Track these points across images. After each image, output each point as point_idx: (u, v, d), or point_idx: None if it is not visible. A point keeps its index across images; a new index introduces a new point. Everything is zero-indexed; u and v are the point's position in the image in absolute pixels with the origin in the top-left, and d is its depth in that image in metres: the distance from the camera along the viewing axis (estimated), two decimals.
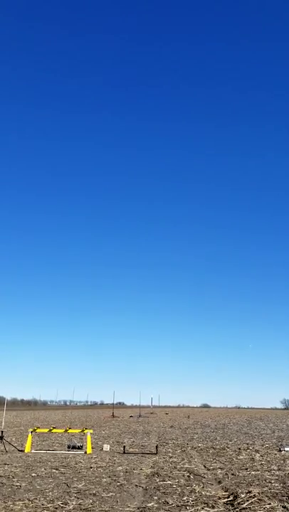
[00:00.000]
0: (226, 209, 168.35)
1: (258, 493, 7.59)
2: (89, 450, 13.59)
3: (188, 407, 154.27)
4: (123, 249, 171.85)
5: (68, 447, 14.36)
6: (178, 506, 6.80)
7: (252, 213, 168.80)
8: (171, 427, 29.85)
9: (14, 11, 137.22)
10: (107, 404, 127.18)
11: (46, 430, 16.59)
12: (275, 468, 10.63)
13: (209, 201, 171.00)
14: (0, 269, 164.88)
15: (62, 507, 6.69)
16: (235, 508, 6.68)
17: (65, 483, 8.61)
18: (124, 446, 14.31)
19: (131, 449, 14.56)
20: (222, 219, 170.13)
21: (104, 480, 8.95)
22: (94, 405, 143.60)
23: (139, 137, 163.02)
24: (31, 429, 14.72)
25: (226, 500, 7.26)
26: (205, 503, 6.95)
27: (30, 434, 14.27)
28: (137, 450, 14.51)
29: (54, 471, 10.06)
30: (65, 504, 6.85)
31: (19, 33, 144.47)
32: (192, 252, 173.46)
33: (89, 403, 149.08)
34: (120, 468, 10.54)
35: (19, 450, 13.97)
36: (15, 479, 8.94)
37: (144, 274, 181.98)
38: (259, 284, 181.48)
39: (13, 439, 17.58)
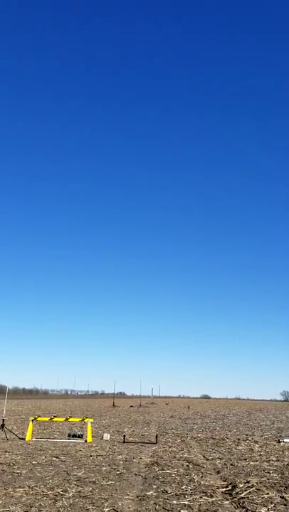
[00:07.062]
0: (224, 213, 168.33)
1: (256, 483, 7.65)
2: (89, 439, 13.71)
3: (188, 397, 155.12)
4: (123, 244, 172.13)
5: (69, 436, 14.46)
6: (177, 495, 6.86)
7: (251, 216, 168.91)
8: (171, 417, 30.06)
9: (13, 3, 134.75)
10: (107, 393, 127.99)
11: (47, 419, 16.72)
12: (274, 459, 10.71)
13: (209, 205, 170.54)
14: (2, 259, 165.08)
15: (62, 494, 6.76)
16: (233, 498, 6.73)
17: (65, 471, 8.70)
18: (124, 436, 14.42)
19: (131, 439, 14.67)
20: (220, 222, 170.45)
21: (104, 468, 9.03)
22: (95, 395, 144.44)
23: (139, 140, 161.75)
24: (32, 418, 14.83)
25: (224, 489, 7.32)
26: (203, 492, 7.01)
27: (31, 423, 14.38)
28: (136, 439, 14.62)
29: (54, 459, 10.16)
30: (65, 491, 6.92)
31: (17, 26, 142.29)
32: (193, 241, 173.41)
33: (90, 392, 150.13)
34: (120, 457, 10.63)
35: (20, 438, 14.11)
36: (16, 467, 9.04)
37: (145, 264, 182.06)
38: (259, 275, 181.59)
39: (14, 428, 17.74)
